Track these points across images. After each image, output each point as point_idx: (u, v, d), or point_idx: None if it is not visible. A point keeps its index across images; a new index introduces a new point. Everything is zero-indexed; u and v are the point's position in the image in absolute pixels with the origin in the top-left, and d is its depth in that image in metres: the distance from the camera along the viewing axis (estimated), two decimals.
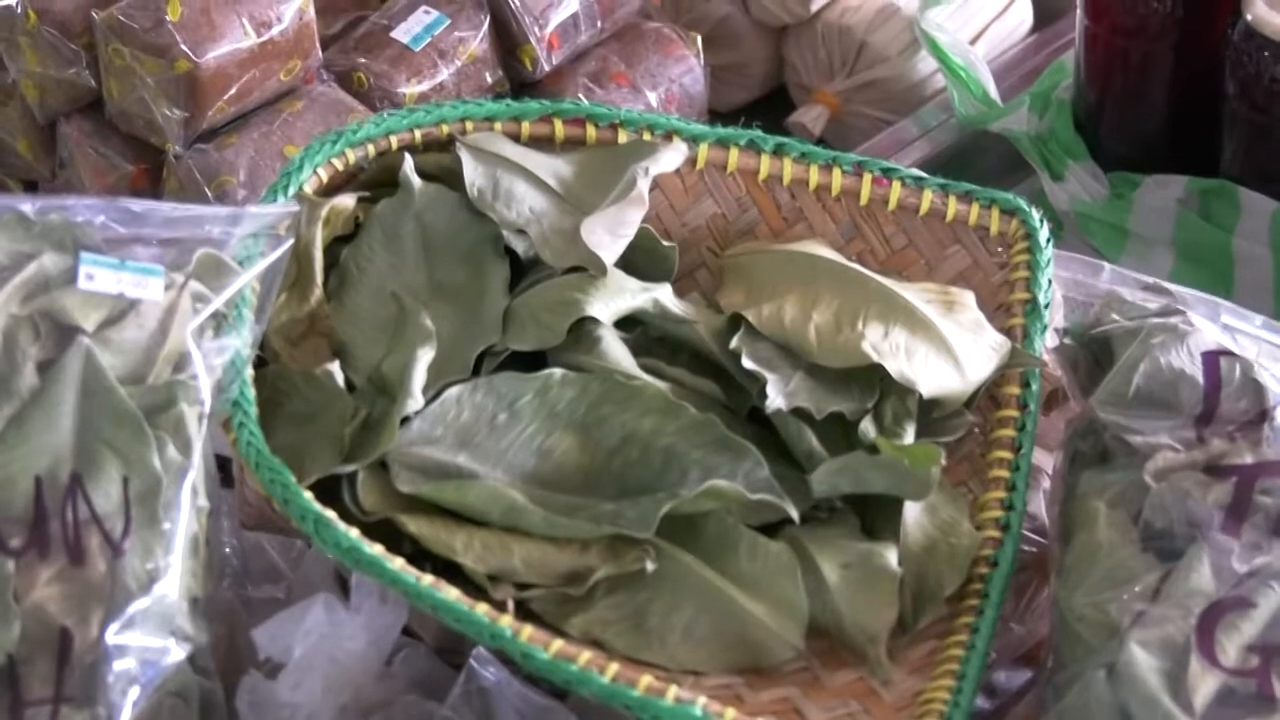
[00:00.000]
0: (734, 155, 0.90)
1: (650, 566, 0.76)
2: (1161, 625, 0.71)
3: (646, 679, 0.69)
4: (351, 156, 0.85)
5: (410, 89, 1.26)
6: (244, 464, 0.73)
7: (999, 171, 1.37)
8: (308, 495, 0.72)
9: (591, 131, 0.89)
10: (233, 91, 1.21)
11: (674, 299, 0.86)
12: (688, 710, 0.68)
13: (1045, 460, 0.91)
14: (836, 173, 0.89)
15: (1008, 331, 0.88)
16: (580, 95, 1.37)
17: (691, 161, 0.89)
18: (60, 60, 1.29)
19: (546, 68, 1.36)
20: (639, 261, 0.86)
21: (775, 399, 0.81)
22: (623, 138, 0.89)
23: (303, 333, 0.81)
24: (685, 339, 0.85)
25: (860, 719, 0.76)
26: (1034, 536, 0.89)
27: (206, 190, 1.23)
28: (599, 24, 1.39)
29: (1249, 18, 1.17)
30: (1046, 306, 0.89)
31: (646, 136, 0.89)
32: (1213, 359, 0.81)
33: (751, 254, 0.89)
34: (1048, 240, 0.91)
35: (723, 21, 1.66)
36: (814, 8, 1.62)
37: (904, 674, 0.77)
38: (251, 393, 0.75)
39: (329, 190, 0.84)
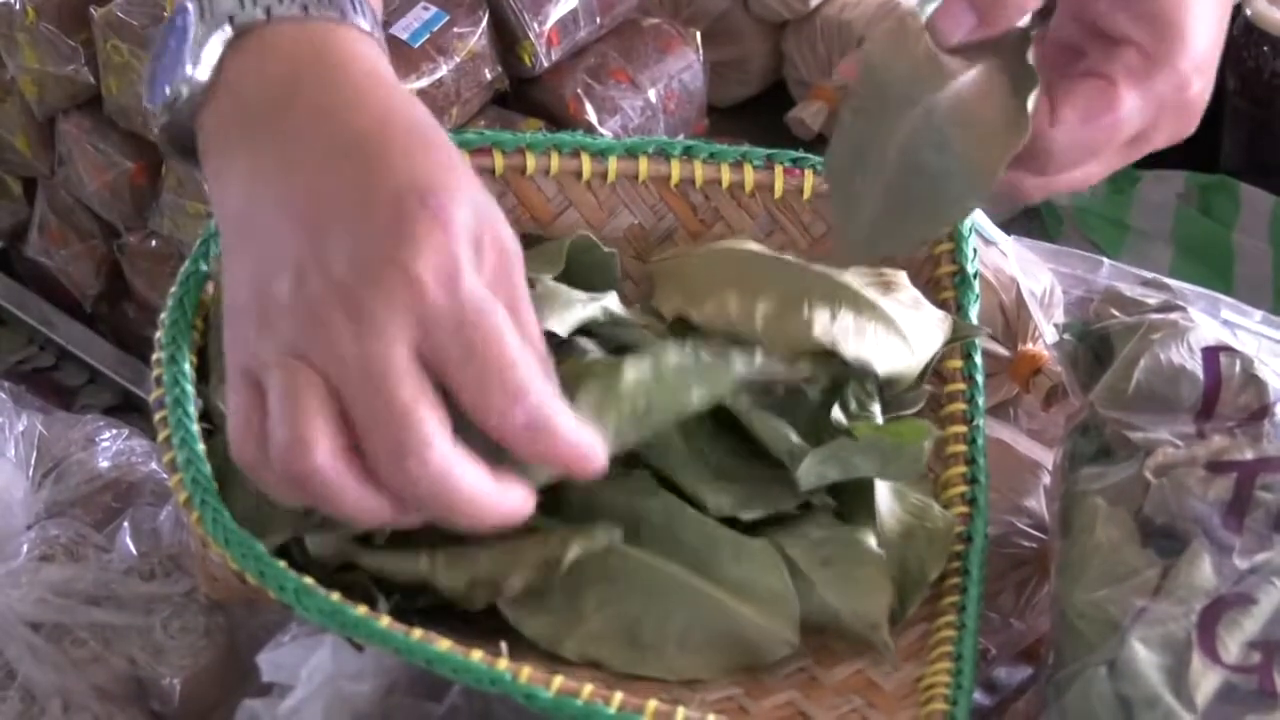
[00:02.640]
0: (644, 164, 0.89)
1: (618, 536, 0.75)
2: (1163, 622, 0.70)
3: (653, 704, 0.69)
4: None
5: (409, 85, 1.26)
6: (208, 541, 0.71)
7: None
8: (283, 565, 0.71)
9: (499, 159, 0.88)
10: None
11: (621, 305, 0.85)
12: None
13: (1045, 457, 0.91)
14: (748, 169, 0.89)
15: (941, 305, 0.88)
16: (580, 91, 1.37)
17: (603, 175, 0.89)
18: (59, 57, 1.29)
19: (545, 63, 1.36)
20: (580, 272, 0.86)
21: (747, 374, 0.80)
22: (529, 162, 0.88)
23: None
24: (636, 345, 0.84)
25: (866, 713, 0.76)
26: (1034, 532, 0.89)
27: (206, 187, 1.23)
28: (598, 20, 1.39)
29: (1249, 13, 1.17)
30: (975, 276, 0.88)
31: (553, 157, 0.89)
32: (1213, 355, 0.80)
33: (681, 256, 0.89)
34: None
35: (722, 17, 1.66)
36: (813, 3, 1.62)
37: (899, 662, 0.77)
38: (207, 468, 0.73)
39: None
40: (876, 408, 0.83)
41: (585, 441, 0.66)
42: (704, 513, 0.78)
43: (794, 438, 0.80)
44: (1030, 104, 0.73)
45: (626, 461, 0.80)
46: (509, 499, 0.66)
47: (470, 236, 0.64)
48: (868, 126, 0.75)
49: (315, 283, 0.64)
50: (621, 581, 0.76)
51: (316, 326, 0.63)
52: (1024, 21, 0.76)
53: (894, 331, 0.84)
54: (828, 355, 0.82)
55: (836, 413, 0.81)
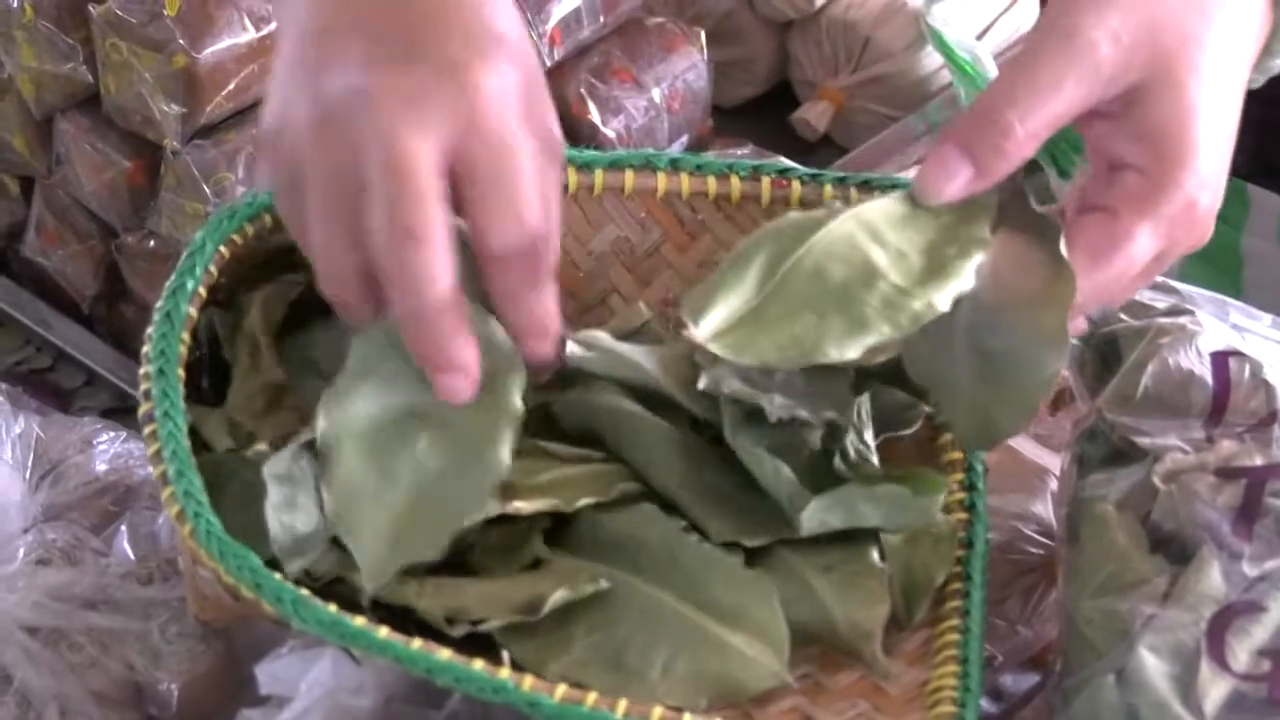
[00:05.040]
0: (630, 177, 0.89)
1: (604, 584, 0.75)
2: (1171, 630, 0.70)
3: (659, 710, 0.69)
4: (250, 229, 0.84)
5: None
6: (199, 555, 0.71)
7: None
8: (279, 576, 0.71)
9: None
10: (231, 87, 1.21)
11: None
12: None
13: (1052, 462, 0.90)
14: (734, 180, 0.89)
15: None
16: (583, 91, 1.37)
17: (589, 188, 0.89)
18: (57, 55, 1.29)
19: (548, 63, 1.36)
20: None
21: (774, 411, 0.80)
22: None
23: (267, 405, 0.81)
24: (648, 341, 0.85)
25: (872, 717, 0.76)
26: (1040, 538, 0.89)
27: (204, 187, 1.22)
28: (601, 19, 1.39)
29: None
30: None
31: None
32: (1222, 359, 0.80)
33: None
34: None
35: (727, 17, 1.66)
36: (818, 3, 1.62)
37: (904, 666, 0.77)
38: (199, 481, 0.73)
39: (232, 263, 0.83)
40: (874, 459, 0.82)
41: (551, 315, 0.74)
42: (706, 539, 0.78)
43: (792, 479, 0.79)
44: (1064, 249, 0.73)
45: (636, 496, 0.80)
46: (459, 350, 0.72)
47: (527, 91, 0.72)
48: (927, 330, 0.76)
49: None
50: (612, 608, 0.75)
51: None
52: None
53: None
54: (841, 375, 0.82)
55: (838, 462, 0.80)
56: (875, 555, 0.79)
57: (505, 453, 0.76)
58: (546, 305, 0.74)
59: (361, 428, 0.76)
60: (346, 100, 0.69)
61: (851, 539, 0.79)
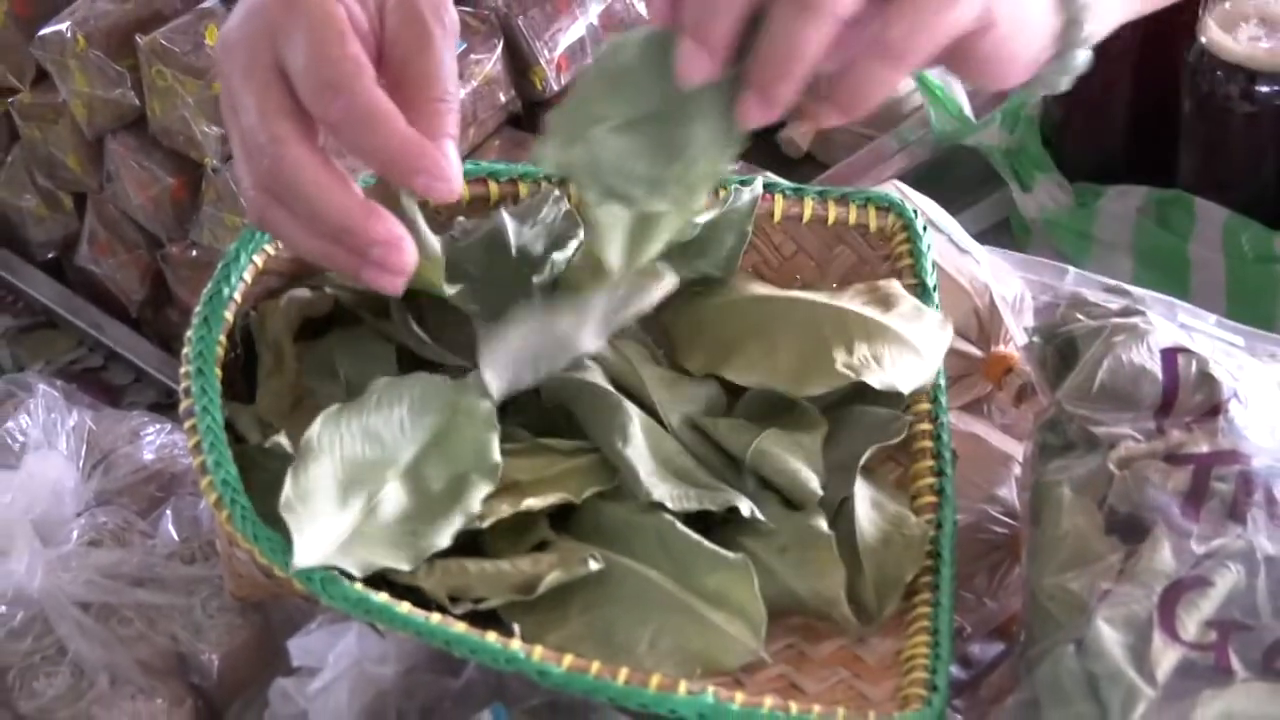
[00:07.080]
0: None
1: (595, 566, 0.75)
2: (1126, 603, 0.70)
3: (656, 678, 0.69)
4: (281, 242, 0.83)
5: None
6: (236, 538, 0.72)
7: (972, 183, 1.37)
8: None
9: (494, 188, 0.88)
10: None
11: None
12: (701, 699, 0.68)
13: (1016, 450, 0.90)
14: (723, 194, 0.88)
15: None
16: None
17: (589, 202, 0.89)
18: (106, 81, 1.29)
19: (555, 87, 1.36)
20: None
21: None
22: (523, 190, 0.88)
23: (292, 405, 0.80)
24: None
25: (852, 684, 0.75)
26: (1005, 519, 0.89)
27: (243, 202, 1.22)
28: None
29: (1203, 41, 1.17)
30: (934, 288, 0.87)
31: (544, 187, 0.88)
32: (1171, 356, 0.80)
33: (693, 307, 0.86)
34: (924, 227, 0.89)
35: None
36: None
37: (880, 638, 0.77)
38: (235, 470, 0.73)
39: (263, 274, 0.83)
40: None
41: (416, 145, 0.69)
42: (667, 510, 0.78)
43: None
44: None
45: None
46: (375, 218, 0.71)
47: None
48: None
49: None
50: (605, 588, 0.75)
51: None
52: None
53: (907, 348, 0.83)
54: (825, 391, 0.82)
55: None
56: (823, 523, 0.78)
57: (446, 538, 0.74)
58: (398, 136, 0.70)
59: (344, 454, 0.75)
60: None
61: (799, 516, 0.79)
